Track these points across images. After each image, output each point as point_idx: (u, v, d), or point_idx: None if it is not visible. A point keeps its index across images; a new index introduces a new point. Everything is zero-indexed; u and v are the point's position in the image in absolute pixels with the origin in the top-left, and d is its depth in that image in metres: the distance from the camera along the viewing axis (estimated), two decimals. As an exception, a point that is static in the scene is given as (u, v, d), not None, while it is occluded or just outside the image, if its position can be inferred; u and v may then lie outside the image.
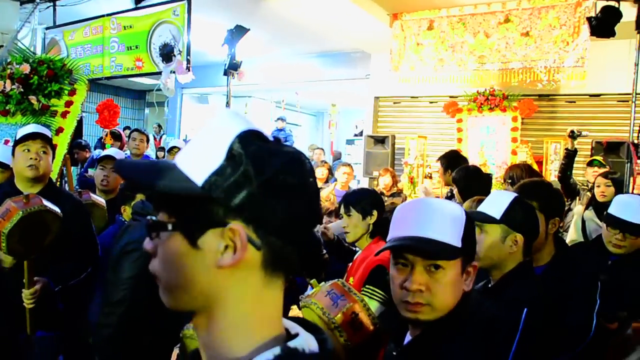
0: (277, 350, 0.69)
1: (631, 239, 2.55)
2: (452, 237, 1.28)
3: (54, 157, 2.96)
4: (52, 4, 6.97)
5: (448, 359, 1.28)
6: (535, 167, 5.48)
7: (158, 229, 0.73)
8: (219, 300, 0.71)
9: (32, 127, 2.88)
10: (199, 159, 0.71)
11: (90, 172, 5.25)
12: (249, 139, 0.71)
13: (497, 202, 1.89)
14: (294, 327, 0.77)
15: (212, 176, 0.68)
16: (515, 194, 1.95)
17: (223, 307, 0.71)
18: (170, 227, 0.71)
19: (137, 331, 2.35)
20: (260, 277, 0.72)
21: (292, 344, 0.71)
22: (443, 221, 1.30)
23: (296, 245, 0.74)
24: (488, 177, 3.89)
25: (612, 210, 2.61)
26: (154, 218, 0.74)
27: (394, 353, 1.39)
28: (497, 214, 1.85)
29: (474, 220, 1.78)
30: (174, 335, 1.95)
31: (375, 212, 2.66)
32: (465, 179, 3.58)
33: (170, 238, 0.72)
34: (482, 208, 1.92)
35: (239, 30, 6.07)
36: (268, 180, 0.69)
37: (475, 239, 1.37)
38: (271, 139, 0.74)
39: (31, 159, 2.72)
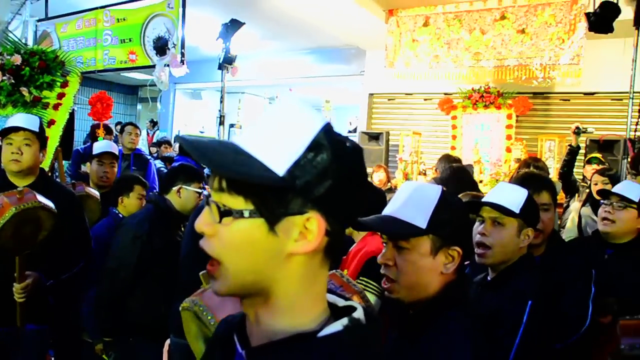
0: (345, 321, 0.73)
1: (618, 209, 2.50)
2: (417, 217, 1.30)
3: (44, 149, 2.88)
4: (43, -5, 6.88)
5: (435, 344, 1.25)
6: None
7: (231, 214, 0.71)
8: (279, 282, 0.73)
9: (16, 119, 2.74)
10: (279, 149, 0.70)
11: (83, 168, 5.18)
12: (331, 132, 0.72)
13: (511, 196, 1.84)
14: (336, 299, 0.81)
15: (295, 167, 0.69)
16: (525, 189, 1.90)
17: (283, 287, 0.74)
18: (247, 213, 0.71)
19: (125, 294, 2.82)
20: (319, 259, 0.75)
21: (356, 315, 0.75)
22: (412, 202, 1.32)
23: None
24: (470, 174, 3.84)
25: (614, 189, 2.60)
26: (223, 203, 0.72)
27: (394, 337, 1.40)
28: (516, 208, 1.80)
29: (490, 206, 1.76)
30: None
31: None
32: (452, 178, 3.55)
33: (244, 223, 0.71)
34: (495, 200, 1.84)
35: (234, 24, 6.02)
36: (347, 173, 0.72)
37: (456, 223, 1.34)
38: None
39: (13, 152, 2.63)
